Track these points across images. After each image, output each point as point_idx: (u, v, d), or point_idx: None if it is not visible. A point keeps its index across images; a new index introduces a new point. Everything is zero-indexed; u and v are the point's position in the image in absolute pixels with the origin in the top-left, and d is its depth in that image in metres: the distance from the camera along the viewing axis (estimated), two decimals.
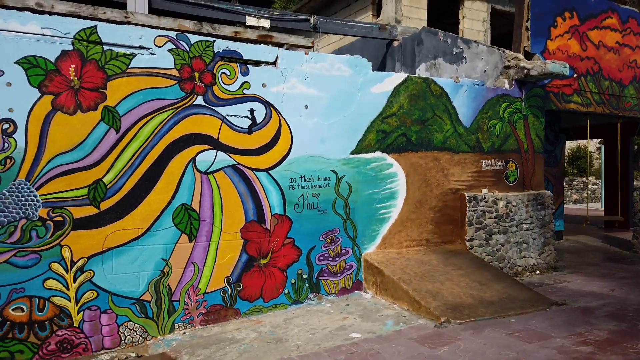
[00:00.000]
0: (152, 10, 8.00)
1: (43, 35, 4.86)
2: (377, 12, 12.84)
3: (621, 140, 12.29)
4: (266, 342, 5.06)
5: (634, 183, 9.77)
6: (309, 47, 6.81)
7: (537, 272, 7.91)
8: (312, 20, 9.43)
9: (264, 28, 9.16)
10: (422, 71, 9.85)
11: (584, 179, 29.14)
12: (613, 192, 13.25)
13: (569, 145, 29.77)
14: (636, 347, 4.55)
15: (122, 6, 7.78)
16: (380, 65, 11.18)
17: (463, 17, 13.14)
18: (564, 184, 23.05)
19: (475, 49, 8.58)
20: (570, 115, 9.72)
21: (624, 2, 15.00)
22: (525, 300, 6.00)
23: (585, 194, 28.15)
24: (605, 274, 7.91)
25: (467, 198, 7.35)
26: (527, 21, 8.09)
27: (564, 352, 4.42)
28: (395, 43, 10.73)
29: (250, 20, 8.81)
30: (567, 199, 26.35)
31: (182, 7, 8.25)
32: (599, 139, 26.05)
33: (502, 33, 15.31)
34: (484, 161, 7.72)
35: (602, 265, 8.69)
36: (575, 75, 8.50)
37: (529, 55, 8.17)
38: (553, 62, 7.54)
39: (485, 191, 7.63)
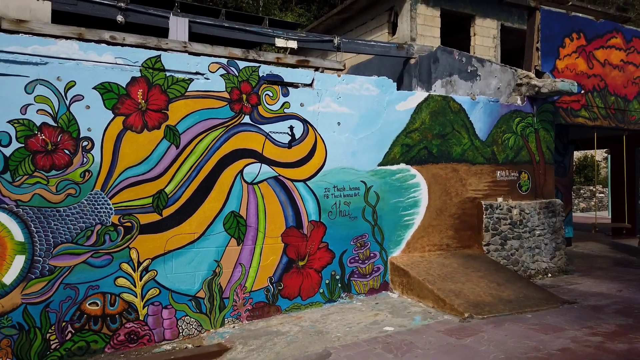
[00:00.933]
0: (192, 35, 8.75)
1: (116, 64, 5.57)
2: (393, 30, 13.55)
3: (627, 151, 12.88)
4: (309, 334, 5.69)
5: None
6: (341, 70, 7.49)
7: (549, 275, 8.50)
8: (335, 41, 10.12)
9: (292, 49, 9.92)
10: (438, 87, 10.51)
11: (592, 187, 29.64)
12: (620, 201, 13.78)
13: (577, 154, 30.23)
14: None
15: (165, 32, 8.55)
16: (398, 81, 11.83)
17: (474, 35, 13.81)
18: (572, 192, 23.51)
19: (489, 68, 9.24)
20: (578, 128, 10.32)
21: (625, 21, 15.63)
22: (539, 299, 6.60)
23: (593, 202, 28.63)
24: (613, 276, 8.48)
25: (483, 206, 7.97)
26: (537, 42, 8.75)
27: (576, 342, 5.03)
28: (412, 60, 11.41)
29: (280, 42, 9.53)
30: (575, 207, 26.82)
31: (218, 31, 8.95)
32: (605, 149, 26.54)
33: (512, 48, 15.99)
34: (498, 172, 8.35)
35: (610, 269, 9.26)
36: (582, 92, 9.13)
37: (539, 74, 8.81)
38: (562, 81, 8.19)
39: (500, 200, 8.25)
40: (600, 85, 9.52)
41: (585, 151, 32.24)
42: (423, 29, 12.81)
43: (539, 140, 8.75)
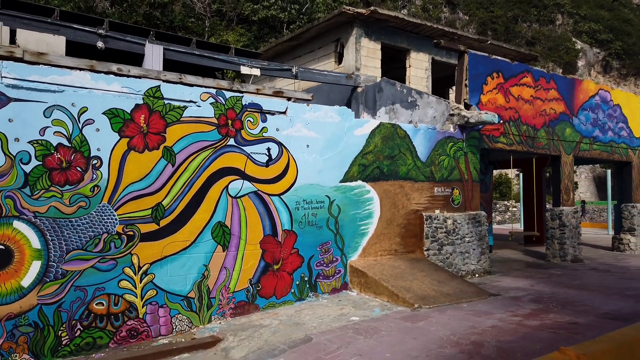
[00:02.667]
0: (166, 62, 9.56)
1: (122, 92, 6.37)
2: (339, 60, 14.97)
3: (536, 171, 15.10)
4: (289, 326, 6.70)
5: (547, 206, 12.33)
6: (310, 100, 8.62)
7: (477, 275, 10.08)
8: (293, 70, 11.31)
9: (255, 76, 10.97)
10: (382, 114, 11.98)
11: (506, 202, 32.91)
12: (530, 213, 16.01)
13: (494, 173, 33.40)
14: (548, 317, 6.68)
15: (140, 57, 9.30)
16: (346, 106, 13.20)
17: (409, 66, 15.56)
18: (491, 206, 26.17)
19: (427, 99, 10.81)
20: (497, 151, 12.17)
21: (534, 58, 18.22)
22: (472, 292, 8.06)
23: (507, 216, 31.79)
24: (527, 275, 10.23)
25: (424, 217, 9.41)
26: (466, 80, 10.43)
27: (502, 321, 6.46)
28: (359, 89, 12.83)
29: (244, 69, 10.56)
30: (492, 219, 29.63)
31: (190, 58, 9.83)
32: (517, 169, 29.73)
33: (440, 77, 18.07)
34: (436, 188, 9.85)
35: (524, 270, 11.06)
36: (501, 122, 10.93)
37: (467, 106, 10.49)
38: (486, 113, 9.88)
39: (437, 212, 9.73)
40: (514, 116, 11.41)
41: (501, 170, 35.75)
42: (366, 59, 14.32)
43: (467, 162, 10.39)
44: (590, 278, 10.01)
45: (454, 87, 21.11)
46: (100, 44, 8.77)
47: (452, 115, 10.23)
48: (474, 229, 10.22)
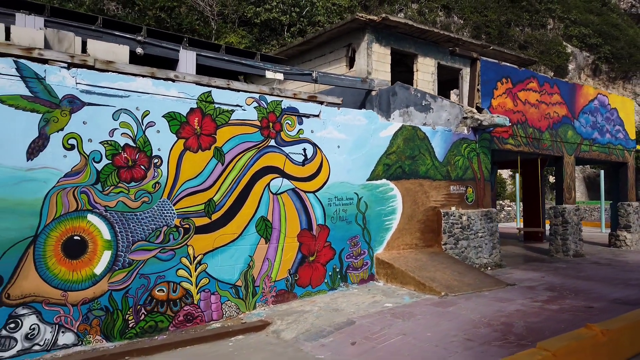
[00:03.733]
0: (199, 67, 10.12)
1: (179, 97, 6.94)
2: (350, 64, 15.59)
3: (535, 171, 15.85)
4: (328, 311, 7.31)
5: (549, 205, 13.07)
6: (340, 104, 9.23)
7: (489, 268, 10.77)
8: (313, 75, 11.92)
9: (279, 80, 11.56)
10: (396, 116, 12.63)
11: (501, 201, 33.78)
12: (531, 211, 16.78)
13: None
14: (565, 302, 7.37)
15: (174, 62, 9.86)
16: (360, 108, 13.84)
17: (417, 70, 16.21)
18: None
19: (440, 103, 11.49)
20: (500, 152, 12.88)
21: (532, 63, 19.04)
22: (490, 282, 8.74)
23: (502, 215, 32.63)
24: (534, 268, 10.95)
25: (442, 213, 10.08)
26: (478, 85, 11.13)
27: (525, 306, 7.13)
28: (373, 92, 13.48)
29: (269, 74, 11.16)
30: None
31: (220, 63, 10.40)
32: (512, 169, 30.61)
33: (444, 80, 18.78)
34: (452, 186, 10.53)
35: (531, 264, 11.78)
36: (510, 124, 11.64)
37: (479, 110, 11.18)
38: (498, 116, 10.58)
39: (453, 208, 10.41)
40: (522, 119, 12.13)
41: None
42: (377, 64, 14.95)
43: (480, 162, 11.09)
44: (594, 270, 10.75)
45: (455, 90, 21.90)
46: (139, 50, 9.30)
47: (465, 118, 10.91)
48: (486, 225, 10.91)
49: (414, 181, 9.83)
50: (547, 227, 15.33)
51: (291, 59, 18.02)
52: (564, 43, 48.74)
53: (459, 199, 10.65)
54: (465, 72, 17.29)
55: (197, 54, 10.00)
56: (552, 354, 4.48)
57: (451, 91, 20.76)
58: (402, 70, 17.98)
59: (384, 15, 14.51)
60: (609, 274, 10.32)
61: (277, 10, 30.04)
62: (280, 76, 11.34)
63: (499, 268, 10.96)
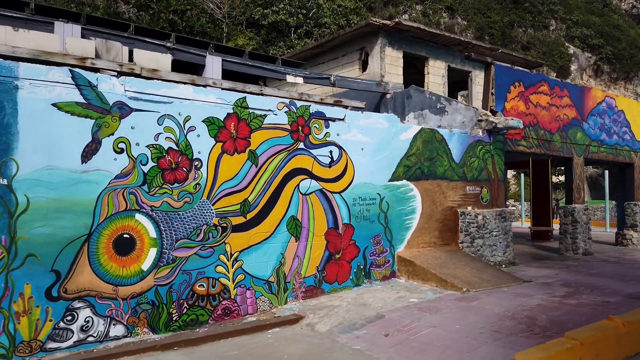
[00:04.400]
0: (224, 72, 10.50)
1: (217, 103, 7.32)
2: (363, 67, 15.98)
3: (544, 172, 16.24)
4: (357, 306, 7.69)
5: (560, 204, 13.45)
6: (363, 108, 9.61)
7: (503, 265, 11.16)
8: (332, 79, 12.30)
9: (299, 84, 11.93)
10: (411, 119, 13.01)
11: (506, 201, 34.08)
12: (539, 211, 17.17)
13: None
14: (582, 297, 7.76)
15: (201, 68, 10.24)
16: (374, 111, 14.23)
17: (428, 73, 16.62)
18: None
19: (455, 106, 11.87)
20: (512, 153, 13.25)
21: (539, 65, 19.42)
22: (507, 279, 9.12)
23: (517, 213, 32.97)
24: (547, 266, 11.33)
25: (459, 213, 10.45)
26: (492, 88, 11.51)
27: (545, 300, 7.52)
28: (388, 95, 13.85)
29: (290, 78, 11.55)
30: None
31: (244, 68, 10.80)
32: (516, 169, 30.98)
33: (454, 82, 19.19)
34: (467, 187, 10.91)
35: (543, 262, 12.16)
36: (523, 127, 12.01)
37: (493, 113, 11.56)
38: (512, 119, 10.96)
39: (469, 208, 10.79)
40: (533, 121, 12.52)
41: None
42: (389, 67, 15.34)
43: (494, 164, 11.47)
44: (605, 268, 11.13)
45: (462, 92, 22.30)
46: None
47: (480, 120, 11.29)
48: (500, 224, 11.29)
49: (433, 182, 10.21)
50: (555, 226, 15.71)
51: (305, 61, 18.41)
52: (566, 44, 49.14)
53: (475, 199, 11.03)
54: (474, 74, 17.71)
55: (222, 59, 10.38)
56: (580, 343, 4.86)
57: (458, 93, 21.14)
58: (412, 72, 18.38)
59: (397, 19, 14.90)
60: (620, 271, 10.70)
61: (285, 12, 30.43)
62: (300, 80, 11.72)
63: (513, 266, 11.34)
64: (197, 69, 10.41)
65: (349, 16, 32.92)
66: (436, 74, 16.88)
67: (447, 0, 42.57)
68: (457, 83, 19.57)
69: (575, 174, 13.59)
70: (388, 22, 14.93)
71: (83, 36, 8.53)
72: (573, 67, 48.95)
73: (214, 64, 10.28)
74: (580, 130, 13.92)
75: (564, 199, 14.59)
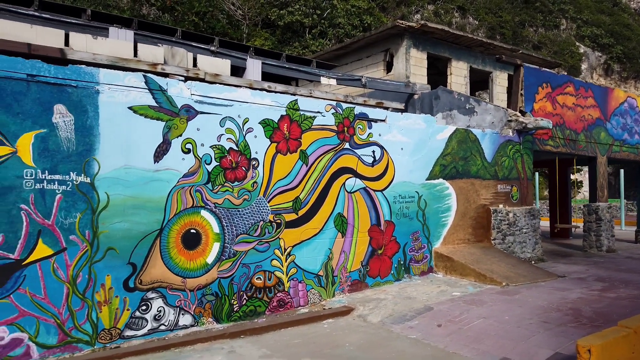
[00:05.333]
0: (263, 74, 10.87)
1: (271, 105, 7.69)
2: (388, 68, 16.32)
3: (563, 171, 16.55)
4: (403, 299, 8.05)
5: (587, 204, 13.75)
6: (403, 110, 9.96)
7: (532, 261, 11.49)
8: (363, 80, 12.65)
9: (332, 85, 12.29)
10: (439, 119, 13.30)
11: None
12: (560, 209, 17.46)
13: None
14: (619, 291, 8.09)
15: (242, 70, 10.61)
16: (402, 111, 14.55)
17: (451, 74, 16.94)
18: None
19: (485, 106, 12.19)
20: (545, 153, 13.56)
21: (558, 65, 19.67)
22: (542, 274, 9.46)
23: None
24: (574, 262, 11.65)
25: (491, 210, 10.80)
26: (521, 90, 11.84)
27: (584, 294, 7.86)
28: (415, 96, 14.19)
29: (324, 80, 11.90)
30: None
31: (281, 70, 11.15)
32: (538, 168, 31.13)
33: (476, 81, 19.50)
34: (499, 185, 11.25)
35: (569, 258, 12.49)
36: (552, 127, 12.33)
37: (523, 113, 11.89)
38: (542, 119, 11.29)
39: (501, 206, 11.13)
40: (560, 122, 12.83)
41: None
42: (414, 68, 15.68)
43: (524, 163, 11.80)
44: (632, 264, 11.45)
45: (485, 91, 22.58)
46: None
47: (509, 121, 11.62)
48: (529, 222, 11.62)
49: (467, 180, 10.56)
50: (575, 224, 16.01)
51: (329, 62, 18.76)
52: (577, 43, 49.28)
53: (505, 197, 11.37)
54: (495, 74, 18.02)
55: (262, 62, 10.75)
56: (634, 331, 5.20)
57: (476, 92, 21.44)
58: (433, 72, 18.71)
59: (422, 22, 15.24)
60: None
61: (300, 12, 30.79)
62: (333, 81, 12.08)
63: (542, 262, 11.67)
64: (237, 71, 10.78)
65: (362, 16, 33.25)
66: (458, 74, 17.20)
67: (458, 0, 42.72)
68: (476, 83, 19.88)
69: (599, 172, 13.89)
70: (414, 24, 15.27)
71: (135, 41, 8.92)
72: (584, 67, 49.08)
73: (254, 67, 10.64)
74: (604, 130, 14.22)
75: (575, 197, 14.89)
